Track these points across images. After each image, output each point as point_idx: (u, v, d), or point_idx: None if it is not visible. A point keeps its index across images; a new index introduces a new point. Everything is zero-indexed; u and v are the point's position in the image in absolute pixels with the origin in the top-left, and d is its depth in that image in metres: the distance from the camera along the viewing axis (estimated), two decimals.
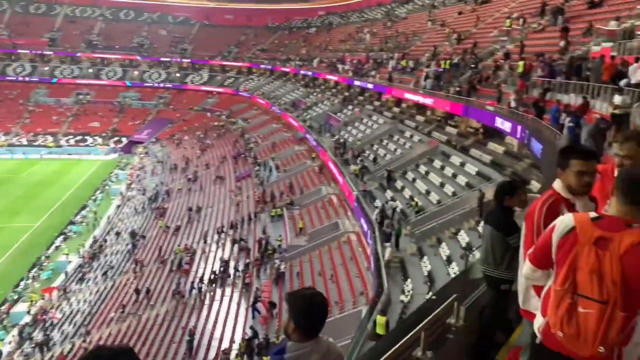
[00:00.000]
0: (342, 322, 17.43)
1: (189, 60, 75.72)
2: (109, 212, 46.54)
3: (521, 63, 21.91)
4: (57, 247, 39.69)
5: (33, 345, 28.30)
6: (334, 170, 31.50)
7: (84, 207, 46.96)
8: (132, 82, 74.35)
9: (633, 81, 13.22)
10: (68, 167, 56.85)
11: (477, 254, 6.58)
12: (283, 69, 62.34)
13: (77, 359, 24.42)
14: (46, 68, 74.13)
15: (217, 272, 28.63)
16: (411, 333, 3.08)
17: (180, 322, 25.36)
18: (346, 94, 44.72)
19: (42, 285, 34.65)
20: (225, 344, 22.09)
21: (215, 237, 33.86)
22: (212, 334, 23.40)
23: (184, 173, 50.00)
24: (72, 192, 49.79)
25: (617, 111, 11.48)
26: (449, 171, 23.49)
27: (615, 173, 2.62)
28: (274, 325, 21.85)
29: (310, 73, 54.05)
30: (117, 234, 40.89)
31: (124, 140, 65.44)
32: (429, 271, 17.13)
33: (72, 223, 43.61)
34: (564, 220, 2.01)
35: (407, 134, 30.89)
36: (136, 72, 75.71)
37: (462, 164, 23.09)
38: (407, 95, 32.56)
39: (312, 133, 39.58)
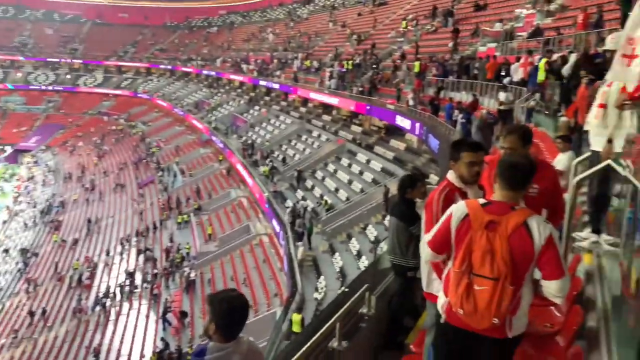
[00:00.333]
0: (257, 325, 17.17)
1: (80, 61, 70.47)
2: None
3: (417, 63, 23.05)
4: None
5: None
6: (243, 173, 31.06)
7: None
8: (14, 85, 67.68)
9: (515, 79, 14.42)
10: None
11: (385, 246, 6.80)
12: (184, 69, 60.29)
13: None
14: None
15: (122, 285, 26.93)
16: (326, 325, 3.06)
17: (83, 342, 23.52)
18: (252, 94, 44.27)
19: None
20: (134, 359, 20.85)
21: (119, 248, 31.86)
22: (119, 350, 21.97)
23: (79, 182, 46.45)
24: None
25: (502, 107, 12.45)
26: (356, 168, 24.11)
27: None
28: (186, 335, 21.01)
29: (213, 73, 52.79)
30: (5, 251, 37.02)
31: (8, 149, 59.37)
32: (341, 267, 17.43)
33: None
34: (459, 208, 2.20)
35: (315, 133, 31.26)
36: (19, 74, 69.07)
37: (368, 161, 23.82)
38: (313, 95, 32.95)
39: (218, 135, 38.70)
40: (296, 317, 13.65)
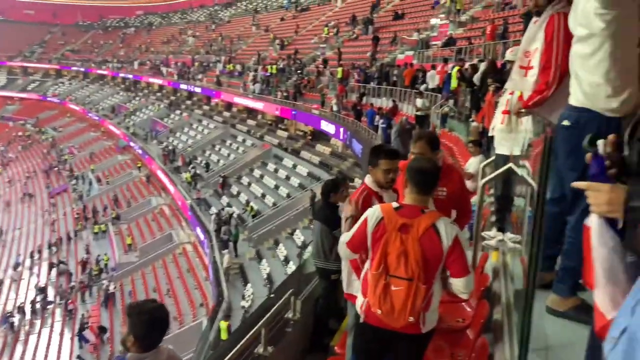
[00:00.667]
0: (183, 336, 16.65)
1: None
2: None
3: (340, 69, 23.55)
4: None
5: None
6: (164, 179, 30.03)
7: None
8: None
9: (431, 86, 15.17)
10: None
11: (310, 250, 6.87)
12: (99, 71, 57.13)
13: None
14: None
15: (33, 302, 24.96)
16: (252, 331, 3.06)
17: None
18: (172, 98, 42.90)
19: None
20: None
21: (28, 262, 29.52)
22: None
23: None
24: None
25: (419, 113, 13.04)
26: (282, 173, 24.09)
27: None
28: (105, 352, 19.86)
29: (131, 76, 50.51)
30: None
31: None
32: (268, 273, 17.34)
33: None
34: (374, 212, 2.31)
35: (240, 138, 30.87)
36: None
37: (294, 166, 23.90)
38: (237, 100, 32.51)
39: (137, 140, 37.10)
40: (223, 325, 13.43)
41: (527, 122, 3.53)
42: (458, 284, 2.26)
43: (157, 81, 46.09)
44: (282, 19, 41.14)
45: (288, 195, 21.84)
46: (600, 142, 1.22)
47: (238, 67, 36.05)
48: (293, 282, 4.99)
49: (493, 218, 4.68)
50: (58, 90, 60.17)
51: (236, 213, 22.47)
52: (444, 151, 10.35)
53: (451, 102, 12.61)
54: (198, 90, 38.63)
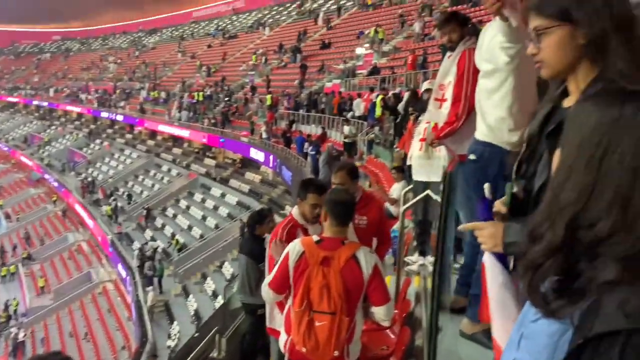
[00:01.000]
0: None
1: None
2: None
3: (269, 96, 23.47)
4: None
5: None
6: (82, 214, 28.41)
7: None
8: None
9: (357, 114, 15.35)
10: None
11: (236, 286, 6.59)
12: (10, 98, 53.39)
13: None
14: None
15: None
16: None
17: None
18: (92, 126, 40.84)
19: None
20: None
21: None
22: None
23: None
24: None
25: (347, 140, 13.08)
26: (210, 203, 23.40)
27: None
28: None
29: (46, 104, 47.58)
30: None
31: None
32: (196, 309, 16.66)
33: None
34: (295, 247, 2.34)
35: (165, 167, 29.75)
36: None
37: (223, 195, 23.29)
38: (162, 127, 31.61)
39: (53, 172, 34.78)
40: None
41: (443, 149, 3.64)
42: (379, 312, 2.32)
43: (75, 109, 43.85)
44: (209, 46, 40.72)
45: (216, 226, 21.18)
46: (486, 186, 1.29)
47: (163, 94, 35.08)
48: (218, 319, 4.85)
49: (415, 243, 4.77)
50: None
51: (161, 247, 21.62)
52: (370, 177, 10.35)
53: (377, 129, 12.73)
54: (120, 118, 37.16)
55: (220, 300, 15.94)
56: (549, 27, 1.10)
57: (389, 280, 4.14)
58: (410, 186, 4.84)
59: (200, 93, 30.04)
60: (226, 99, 28.10)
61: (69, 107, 44.53)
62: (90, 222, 26.96)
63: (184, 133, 28.89)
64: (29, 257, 27.41)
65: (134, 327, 18.06)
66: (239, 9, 45.28)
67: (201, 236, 21.22)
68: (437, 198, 3.57)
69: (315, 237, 2.37)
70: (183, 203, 25.01)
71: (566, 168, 0.77)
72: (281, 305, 2.57)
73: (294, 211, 2.89)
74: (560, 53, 1.11)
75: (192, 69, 37.68)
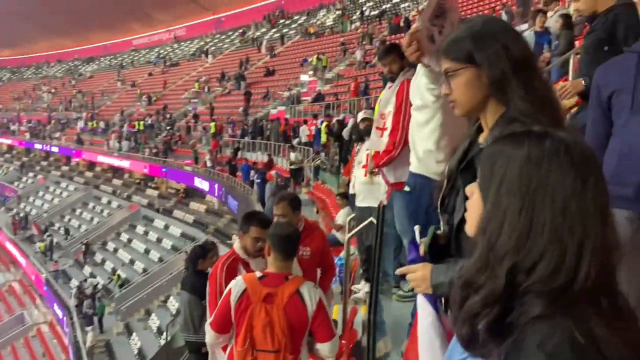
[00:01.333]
0: None
1: None
2: None
3: (213, 124, 23.22)
4: None
5: None
6: (14, 252, 26.74)
7: None
8: None
9: (303, 140, 15.45)
10: None
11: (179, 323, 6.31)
12: None
13: None
14: None
15: None
16: None
17: None
18: (25, 159, 38.74)
19: None
20: None
21: None
22: None
23: None
24: None
25: (293, 166, 13.09)
26: (153, 236, 22.62)
27: None
28: None
29: None
30: None
31: None
32: (139, 348, 16.00)
33: None
34: (237, 284, 2.29)
35: (104, 200, 28.55)
36: None
37: (166, 227, 22.57)
38: (101, 158, 30.54)
39: None
40: None
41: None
42: (324, 349, 2.30)
43: (5, 141, 41.64)
44: (150, 74, 39.97)
45: (160, 259, 20.44)
46: (416, 228, 1.31)
47: (102, 124, 33.92)
48: (162, 359, 4.56)
49: (361, 270, 4.78)
50: None
51: (101, 283, 20.63)
52: (317, 203, 10.36)
53: (323, 155, 12.84)
54: (55, 149, 35.59)
55: (165, 337, 15.32)
56: (457, 69, 1.18)
57: (337, 309, 4.09)
58: (354, 214, 4.88)
59: (141, 122, 29.33)
60: (168, 127, 27.56)
61: None
62: (22, 261, 25.39)
63: (125, 163, 28.00)
64: None
65: None
66: (181, 36, 44.90)
67: (144, 270, 20.39)
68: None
69: (258, 273, 2.32)
70: (124, 236, 24.04)
71: (499, 214, 0.76)
72: (225, 346, 2.49)
73: (235, 245, 2.83)
74: (469, 93, 1.18)
75: (132, 97, 36.79)
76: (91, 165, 33.03)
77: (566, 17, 5.66)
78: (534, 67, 1.18)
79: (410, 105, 2.68)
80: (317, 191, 12.10)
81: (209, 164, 21.18)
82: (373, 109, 4.62)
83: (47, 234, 26.51)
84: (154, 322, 16.93)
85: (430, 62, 1.81)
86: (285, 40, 31.57)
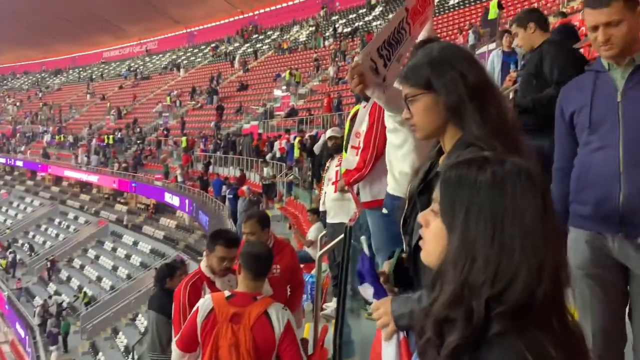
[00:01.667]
0: None
1: None
2: None
3: (184, 138, 22.97)
4: None
5: None
6: None
7: None
8: None
9: (276, 155, 15.42)
10: None
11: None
12: None
13: None
14: None
15: None
16: None
17: None
18: None
19: None
20: None
21: None
22: None
23: None
24: None
25: (266, 181, 13.04)
26: (121, 252, 22.10)
27: None
28: None
29: None
30: None
31: None
32: None
33: None
34: (205, 303, 2.26)
35: (71, 215, 27.78)
36: None
37: (135, 243, 22.09)
38: (68, 173, 29.77)
39: None
40: None
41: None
42: None
43: None
44: (120, 87, 39.38)
45: (128, 276, 19.97)
46: (362, 239, 1.32)
47: (70, 138, 33.14)
48: None
49: (332, 287, 4.76)
50: None
51: (66, 301, 19.95)
52: (290, 219, 10.31)
53: (295, 170, 12.83)
54: (20, 163, 34.56)
55: (132, 357, 14.88)
56: (415, 95, 1.22)
57: (308, 328, 4.05)
58: (324, 232, 4.87)
59: (111, 136, 28.79)
60: (138, 141, 27.13)
61: None
62: None
63: (93, 178, 27.36)
64: None
65: None
66: (152, 50, 44.52)
67: (112, 287, 19.87)
68: (354, 240, 3.54)
69: (227, 292, 2.29)
70: (92, 253, 23.41)
71: (469, 243, 0.75)
72: None
73: (202, 263, 2.80)
74: (428, 118, 1.22)
75: (102, 111, 36.15)
76: (58, 179, 32.16)
77: None
78: (491, 93, 1.21)
79: (382, 124, 2.75)
80: (289, 207, 12.06)
81: (179, 178, 20.91)
82: (344, 125, 4.64)
83: (10, 250, 25.56)
84: (122, 341, 16.48)
85: (373, 93, 1.82)
86: (259, 55, 31.66)
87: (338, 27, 28.26)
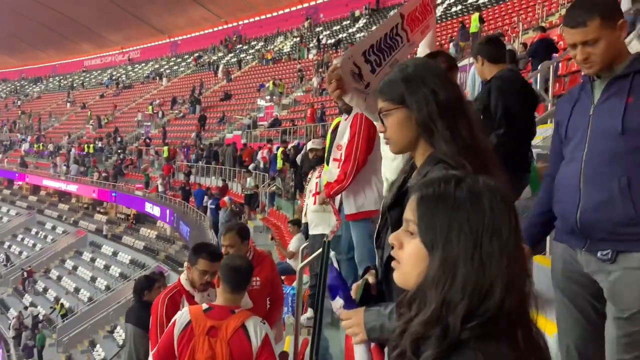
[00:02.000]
0: None
1: None
2: None
3: (166, 148, 22.75)
4: None
5: None
6: None
7: None
8: None
9: (261, 165, 15.38)
10: None
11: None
12: None
13: None
14: None
15: None
16: None
17: None
18: None
19: None
20: None
21: None
22: None
23: None
24: None
25: (248, 192, 12.97)
26: (100, 263, 21.73)
27: None
28: None
29: None
30: None
31: None
32: None
33: None
34: (182, 315, 2.24)
35: (49, 225, 27.24)
36: None
37: (115, 253, 21.75)
38: (47, 182, 29.23)
39: None
40: None
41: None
42: None
43: None
44: (101, 96, 38.94)
45: (107, 288, 19.63)
46: (332, 254, 1.33)
47: (50, 147, 32.58)
48: None
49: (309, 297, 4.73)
50: None
51: (42, 313, 19.45)
52: (272, 230, 10.25)
53: (278, 180, 12.79)
54: None
55: None
56: (389, 109, 1.24)
57: (289, 340, 4.02)
58: (306, 243, 4.85)
59: (91, 145, 28.39)
60: (119, 151, 26.81)
61: None
62: None
63: (72, 187, 26.91)
64: None
65: None
66: (135, 59, 44.17)
67: (90, 299, 19.48)
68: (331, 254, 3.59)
69: (204, 305, 2.27)
70: (69, 263, 22.93)
71: (451, 264, 0.76)
72: None
73: (182, 276, 2.76)
74: (401, 132, 1.24)
75: (82, 119, 35.65)
76: (36, 189, 31.56)
77: (510, 52, 5.99)
78: (462, 111, 1.23)
79: (365, 136, 2.84)
80: (272, 217, 12.00)
81: (160, 188, 20.67)
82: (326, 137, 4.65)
83: None
84: (99, 353, 16.18)
85: (352, 99, 1.76)
86: (243, 65, 31.66)
87: (322, 38, 28.46)
